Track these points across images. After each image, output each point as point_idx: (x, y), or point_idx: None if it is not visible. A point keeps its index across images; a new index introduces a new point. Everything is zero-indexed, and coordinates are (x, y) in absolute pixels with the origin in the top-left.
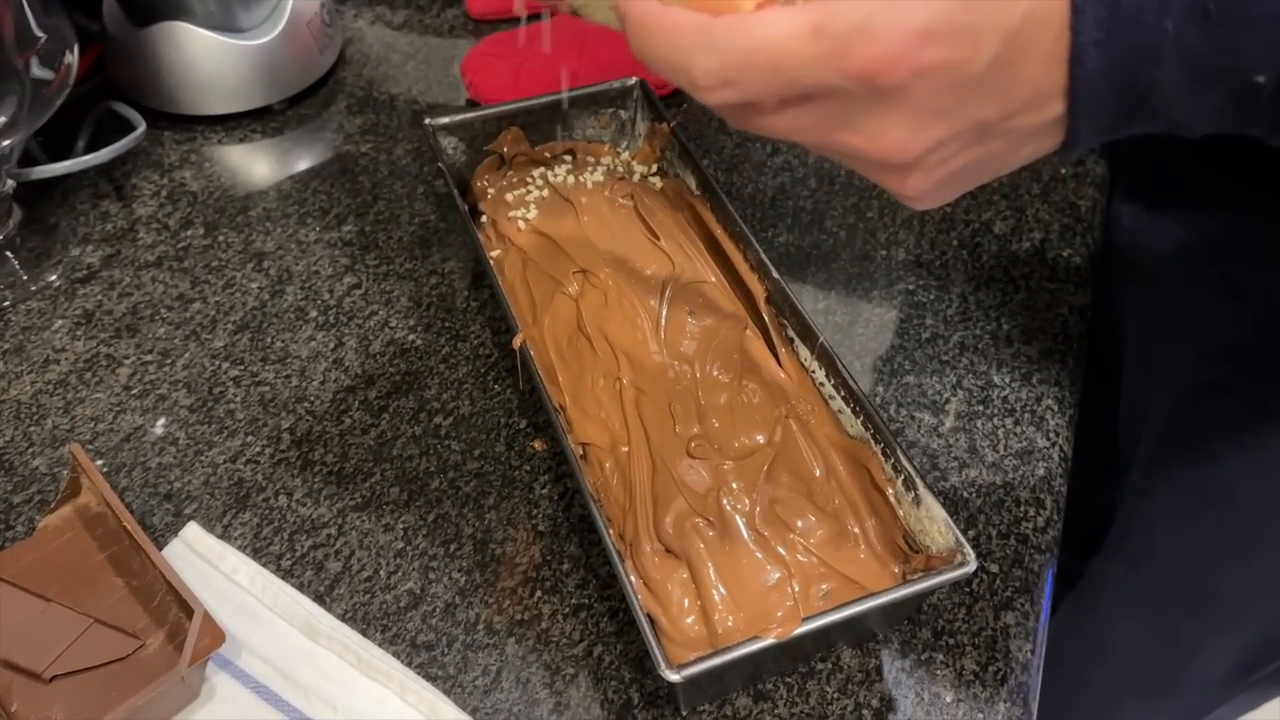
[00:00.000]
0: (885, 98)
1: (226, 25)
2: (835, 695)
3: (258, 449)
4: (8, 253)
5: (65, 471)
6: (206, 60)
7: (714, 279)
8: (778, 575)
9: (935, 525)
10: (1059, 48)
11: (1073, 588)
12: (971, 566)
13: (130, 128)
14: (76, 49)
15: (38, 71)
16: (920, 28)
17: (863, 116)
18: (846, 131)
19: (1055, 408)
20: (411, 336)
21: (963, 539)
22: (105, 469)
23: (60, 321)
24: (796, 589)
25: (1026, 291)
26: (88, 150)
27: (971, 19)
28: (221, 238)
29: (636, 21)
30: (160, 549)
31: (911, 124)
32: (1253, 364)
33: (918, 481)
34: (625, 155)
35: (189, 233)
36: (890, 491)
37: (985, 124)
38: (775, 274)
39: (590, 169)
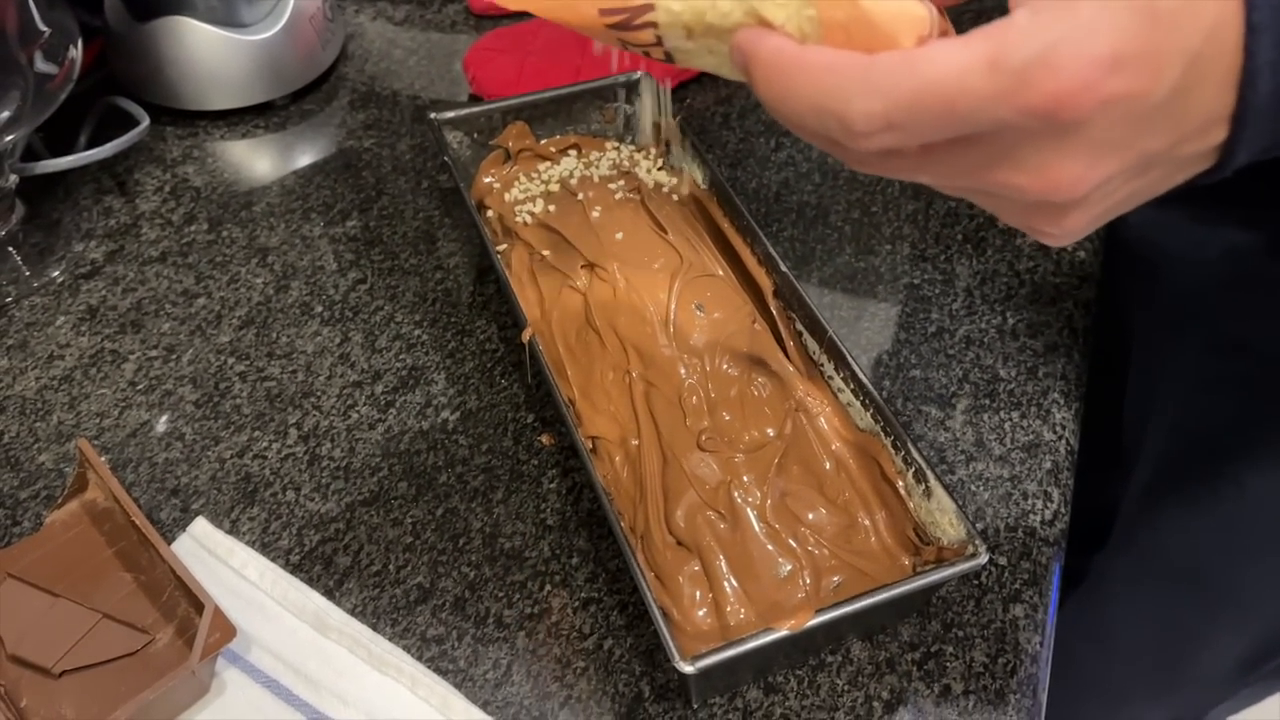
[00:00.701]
0: (1061, 132)
1: (229, 20)
2: (845, 687)
3: (265, 444)
4: (11, 248)
5: (72, 467)
6: (209, 55)
7: (721, 273)
8: (789, 568)
9: (946, 517)
10: (1232, 71)
11: (1078, 584)
12: (983, 558)
13: (133, 123)
14: (80, 44)
15: (41, 66)
16: (1107, 56)
17: (1031, 153)
18: (1008, 170)
19: (1061, 401)
20: (417, 331)
21: (974, 531)
22: (111, 464)
23: (64, 317)
24: (808, 581)
25: (1031, 286)
26: (90, 145)
27: (1157, 43)
28: (225, 233)
29: (770, 62)
30: (168, 544)
31: (1086, 159)
32: (1262, 357)
33: (928, 474)
34: (631, 149)
35: (193, 228)
36: (901, 484)
37: (1153, 154)
38: (783, 267)
39: (596, 163)
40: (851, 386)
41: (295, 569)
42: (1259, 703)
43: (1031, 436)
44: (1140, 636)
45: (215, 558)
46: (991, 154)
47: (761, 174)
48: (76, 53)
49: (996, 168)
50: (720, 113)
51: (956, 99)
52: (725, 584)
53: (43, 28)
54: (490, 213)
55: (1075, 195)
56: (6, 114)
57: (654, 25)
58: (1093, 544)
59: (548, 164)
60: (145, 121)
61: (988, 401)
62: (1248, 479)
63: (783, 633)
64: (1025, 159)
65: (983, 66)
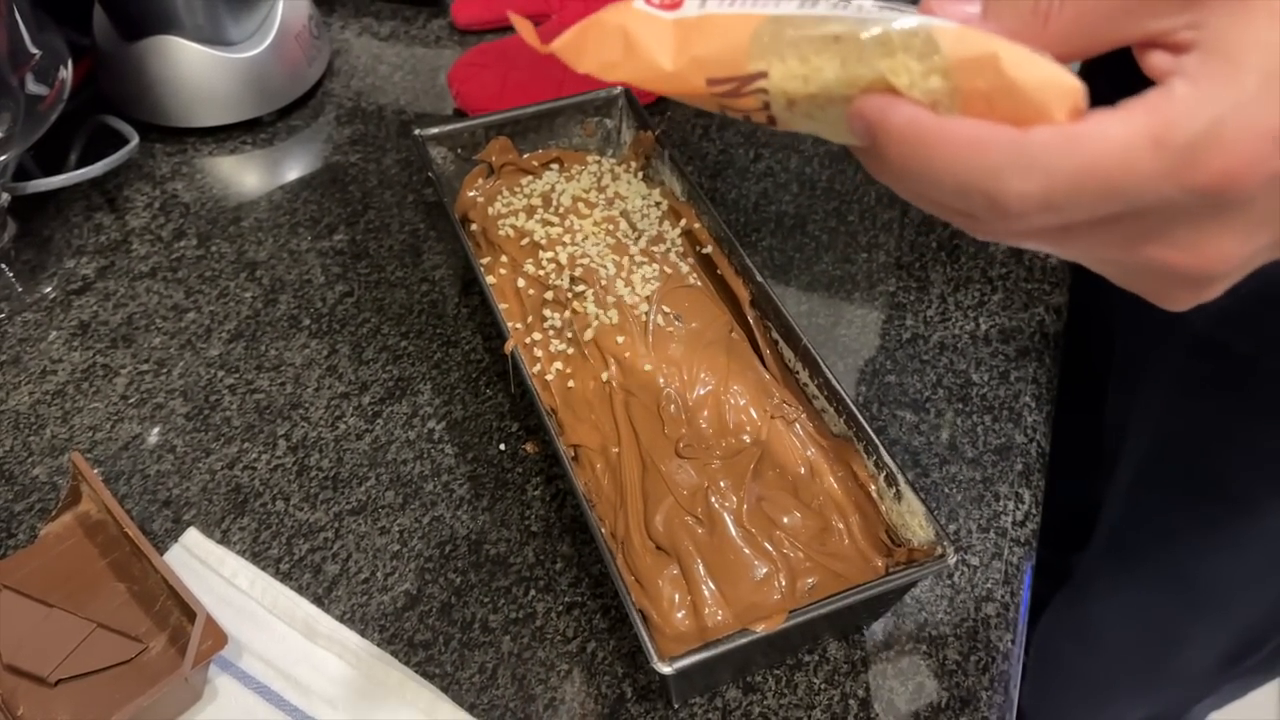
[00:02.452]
0: (1222, 209)
1: (215, 38)
2: (822, 686)
3: (254, 455)
4: (3, 265)
5: (65, 480)
6: (196, 73)
7: (699, 283)
8: (765, 570)
9: (916, 519)
10: None
11: (1061, 584)
12: (952, 559)
13: (122, 141)
14: (70, 64)
15: (32, 87)
16: (1276, 131)
17: (1187, 230)
18: (1159, 246)
19: (1033, 404)
20: (404, 343)
21: (943, 532)
22: (104, 477)
23: (56, 333)
24: (783, 583)
25: (1004, 292)
26: (80, 164)
27: None
28: (214, 248)
29: (905, 134)
30: (161, 554)
31: (1242, 234)
32: (1242, 359)
33: (899, 477)
34: (611, 163)
35: (182, 243)
36: (873, 488)
37: None
38: (759, 278)
39: (577, 176)
40: (825, 393)
41: (285, 577)
42: (1240, 699)
43: (1003, 439)
44: (1123, 635)
45: (207, 567)
46: (1143, 230)
47: (741, 184)
48: (67, 73)
49: (1147, 243)
50: (700, 124)
51: (1121, 178)
52: (703, 587)
53: (33, 50)
54: (474, 226)
55: (1225, 271)
56: None
57: (764, 92)
58: (1075, 544)
59: (530, 178)
60: (135, 140)
61: (961, 405)
62: (1229, 479)
63: (758, 634)
64: (1180, 236)
65: (1147, 143)
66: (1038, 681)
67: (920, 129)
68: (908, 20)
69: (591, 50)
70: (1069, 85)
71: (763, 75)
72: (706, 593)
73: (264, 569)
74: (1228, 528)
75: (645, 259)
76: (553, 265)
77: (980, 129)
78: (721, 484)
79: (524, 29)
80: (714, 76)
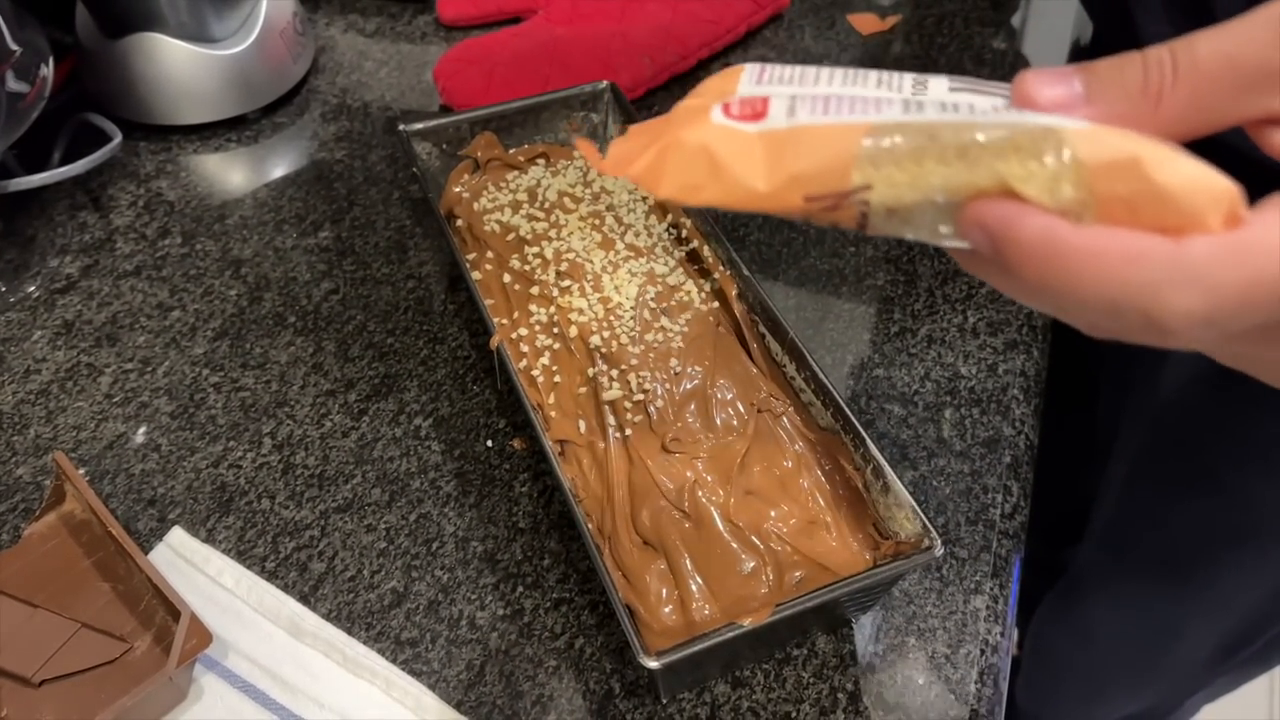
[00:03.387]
0: None
1: (199, 35)
2: (811, 680)
3: (240, 454)
4: None
5: (49, 480)
6: (180, 70)
7: (686, 277)
8: (752, 564)
9: (903, 512)
10: None
11: (1056, 577)
12: (938, 550)
13: (105, 139)
14: (51, 62)
15: (13, 85)
16: None
17: None
18: None
19: (1020, 397)
20: (390, 340)
21: (929, 524)
22: (89, 476)
23: (40, 332)
24: (770, 577)
25: (992, 285)
26: (63, 162)
27: None
28: (199, 246)
29: (1040, 248)
30: (146, 554)
31: None
32: None
33: (886, 470)
34: None
35: (166, 241)
36: (860, 481)
37: None
38: (745, 271)
39: (563, 171)
40: (813, 386)
41: (271, 576)
42: (1232, 691)
43: (991, 432)
44: (1117, 629)
45: (192, 566)
46: None
47: None
48: (48, 71)
49: None
50: None
51: None
52: (690, 582)
53: (14, 47)
54: (459, 222)
55: None
56: None
57: (865, 204)
58: (1070, 538)
59: (516, 173)
60: (117, 138)
61: (949, 398)
62: (1223, 472)
63: (745, 627)
64: None
65: None
66: (1032, 677)
67: (1059, 243)
68: (1032, 121)
69: (671, 174)
70: (1222, 188)
71: (867, 188)
72: (694, 587)
73: (249, 568)
74: (1221, 520)
75: (631, 254)
76: (538, 260)
77: (1130, 242)
78: (708, 478)
79: (589, 152)
80: (813, 194)
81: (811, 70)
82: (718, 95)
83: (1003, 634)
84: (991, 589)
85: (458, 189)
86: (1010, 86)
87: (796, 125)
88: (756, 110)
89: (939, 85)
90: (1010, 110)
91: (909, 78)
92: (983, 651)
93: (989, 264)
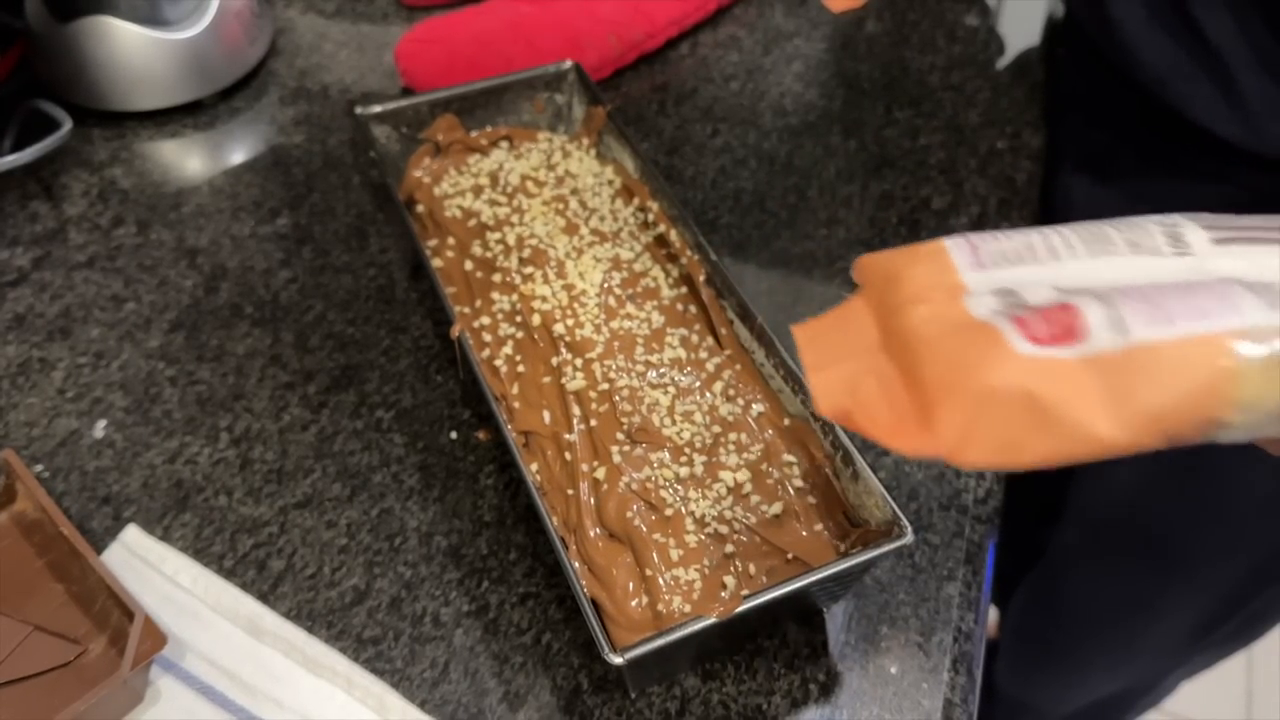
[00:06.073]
0: None
1: (152, 18)
2: (782, 671)
3: (196, 449)
4: None
5: (0, 478)
6: (133, 55)
7: (653, 262)
8: (721, 555)
9: (873, 499)
10: None
11: (1035, 558)
12: (909, 538)
13: (56, 126)
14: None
15: None
16: None
17: None
18: None
19: None
20: (350, 330)
21: (899, 512)
22: (42, 474)
23: None
24: (739, 568)
25: None
26: (13, 150)
27: None
28: (154, 235)
29: None
30: (100, 553)
31: None
32: None
33: (855, 457)
34: (562, 140)
35: (120, 231)
36: (829, 468)
37: None
38: (714, 256)
39: (526, 154)
40: (782, 373)
41: (229, 574)
42: (1208, 669)
43: None
44: (1096, 608)
45: (148, 565)
46: None
47: (698, 161)
48: None
49: None
50: (656, 100)
51: None
52: (658, 575)
53: None
54: (420, 207)
55: None
56: None
57: (1230, 425)
58: (1048, 518)
59: (478, 156)
60: (68, 125)
61: None
62: (1200, 451)
63: (712, 620)
64: None
65: None
66: (1012, 657)
67: None
68: None
69: (984, 433)
70: None
71: (1245, 406)
72: (661, 580)
73: (207, 566)
74: (1198, 498)
75: (596, 239)
76: (501, 247)
77: None
78: (674, 469)
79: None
80: (1179, 433)
81: (1035, 237)
82: (946, 292)
83: (976, 621)
84: (965, 575)
85: (418, 173)
86: None
87: (1135, 344)
88: (1070, 326)
89: (1197, 235)
90: None
91: (1156, 229)
92: (956, 639)
93: None
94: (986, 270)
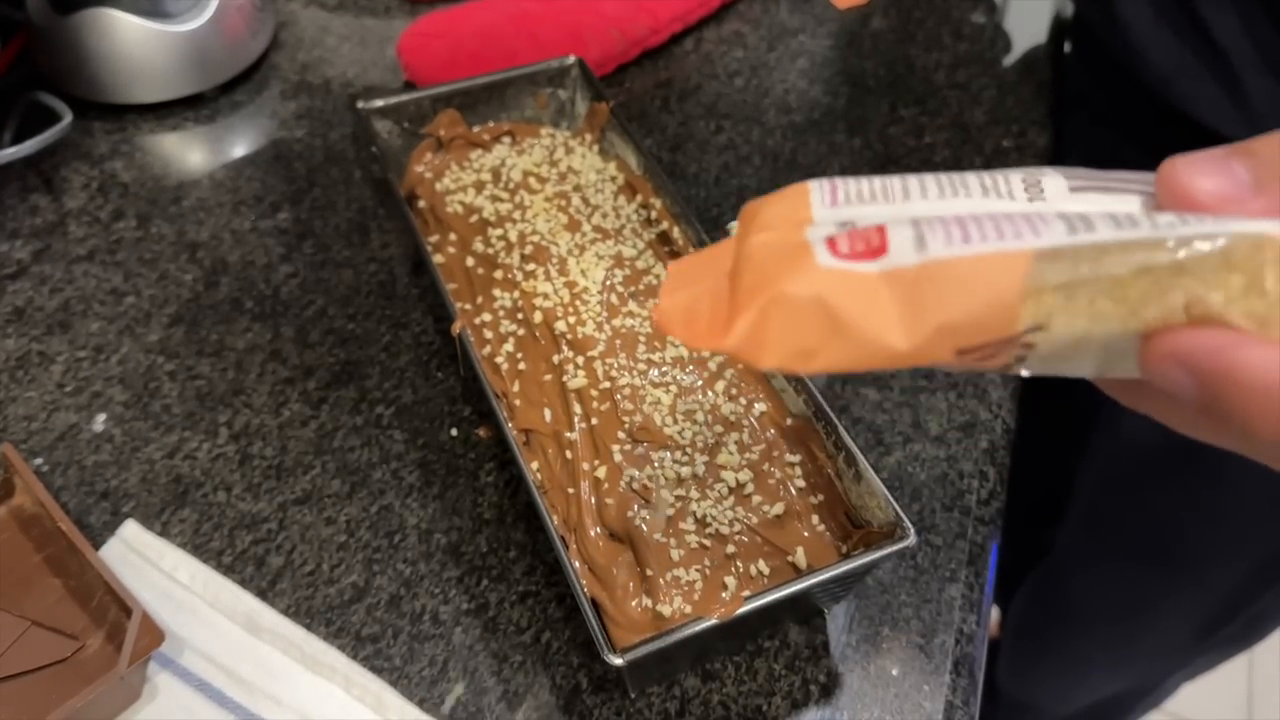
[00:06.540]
0: None
1: (154, 11)
2: (783, 672)
3: (195, 444)
4: None
5: None
6: (134, 47)
7: (656, 260)
8: (722, 555)
9: (876, 501)
10: None
11: (1039, 558)
12: (911, 540)
13: (56, 118)
14: (1, 40)
15: None
16: None
17: None
18: None
19: (998, 380)
20: (351, 325)
21: (902, 513)
22: (41, 468)
23: None
24: (740, 568)
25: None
26: (14, 143)
27: None
28: (154, 229)
29: (1236, 375)
30: (98, 548)
31: None
32: None
33: (858, 458)
34: (565, 135)
35: (121, 224)
36: (831, 469)
37: None
38: None
39: (528, 150)
40: (784, 372)
41: (227, 570)
42: (1209, 671)
43: (968, 416)
44: (1100, 608)
45: (146, 561)
46: None
47: (702, 158)
48: None
49: None
50: (660, 96)
51: None
52: (658, 574)
53: None
54: (422, 203)
55: None
56: None
57: (1029, 346)
58: (1053, 518)
59: (480, 152)
60: (68, 117)
61: (925, 382)
62: (1206, 450)
63: (714, 621)
64: None
65: None
66: (1014, 658)
67: (1251, 367)
68: (1233, 228)
69: (777, 339)
70: None
71: (1038, 329)
72: (662, 580)
73: (205, 562)
74: (1202, 498)
75: (599, 236)
76: (502, 243)
77: None
78: (676, 468)
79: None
80: (968, 345)
81: (894, 181)
82: (793, 224)
83: (978, 623)
84: (967, 577)
85: (419, 169)
86: (1147, 178)
87: (932, 259)
88: (872, 244)
89: (1056, 184)
90: (1187, 216)
91: (1017, 177)
92: (958, 641)
93: (1175, 405)
94: (838, 207)
